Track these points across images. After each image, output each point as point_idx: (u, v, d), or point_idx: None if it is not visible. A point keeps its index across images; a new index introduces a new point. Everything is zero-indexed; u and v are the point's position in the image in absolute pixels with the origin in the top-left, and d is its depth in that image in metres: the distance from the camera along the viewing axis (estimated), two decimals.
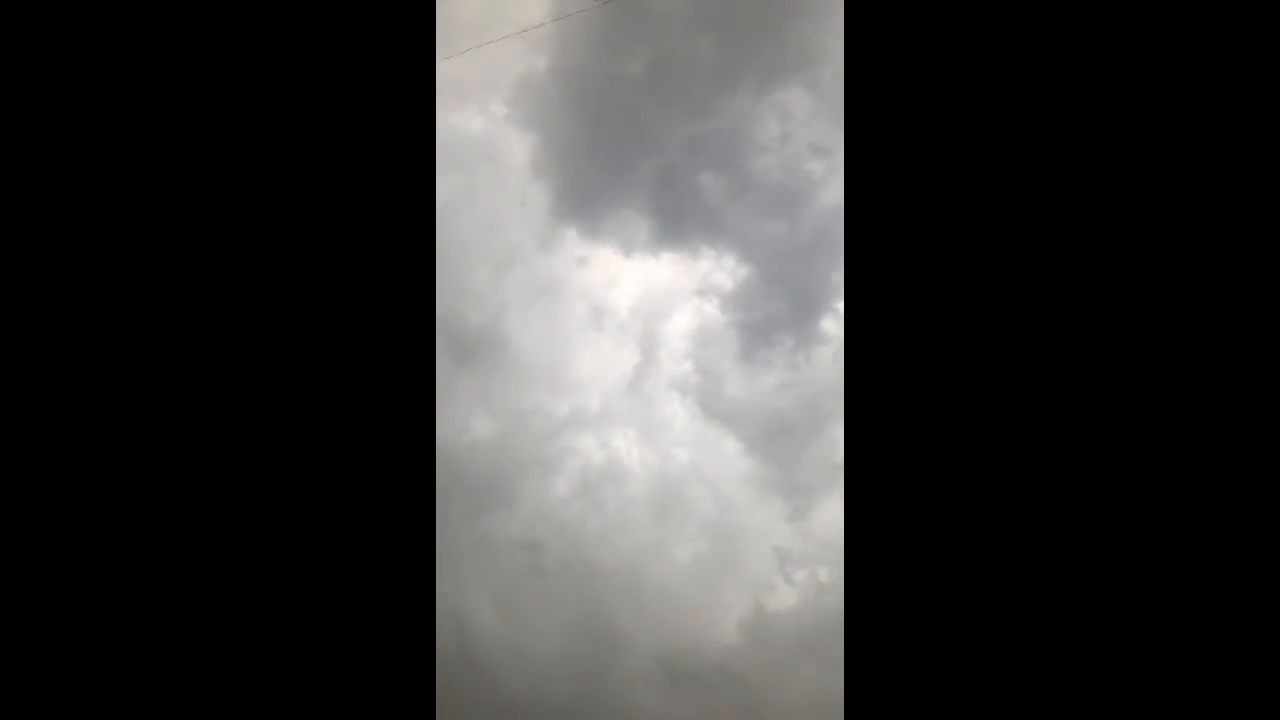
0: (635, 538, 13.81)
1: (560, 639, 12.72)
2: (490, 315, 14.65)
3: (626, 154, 15.34)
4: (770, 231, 15.18)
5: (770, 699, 12.39)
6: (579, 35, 14.71)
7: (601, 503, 14.08)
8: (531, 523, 13.65)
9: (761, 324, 14.86)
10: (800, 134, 14.64)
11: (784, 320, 14.84)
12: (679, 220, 15.37)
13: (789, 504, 13.89)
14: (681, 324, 15.18)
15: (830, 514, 13.68)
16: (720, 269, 15.15)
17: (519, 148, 15.04)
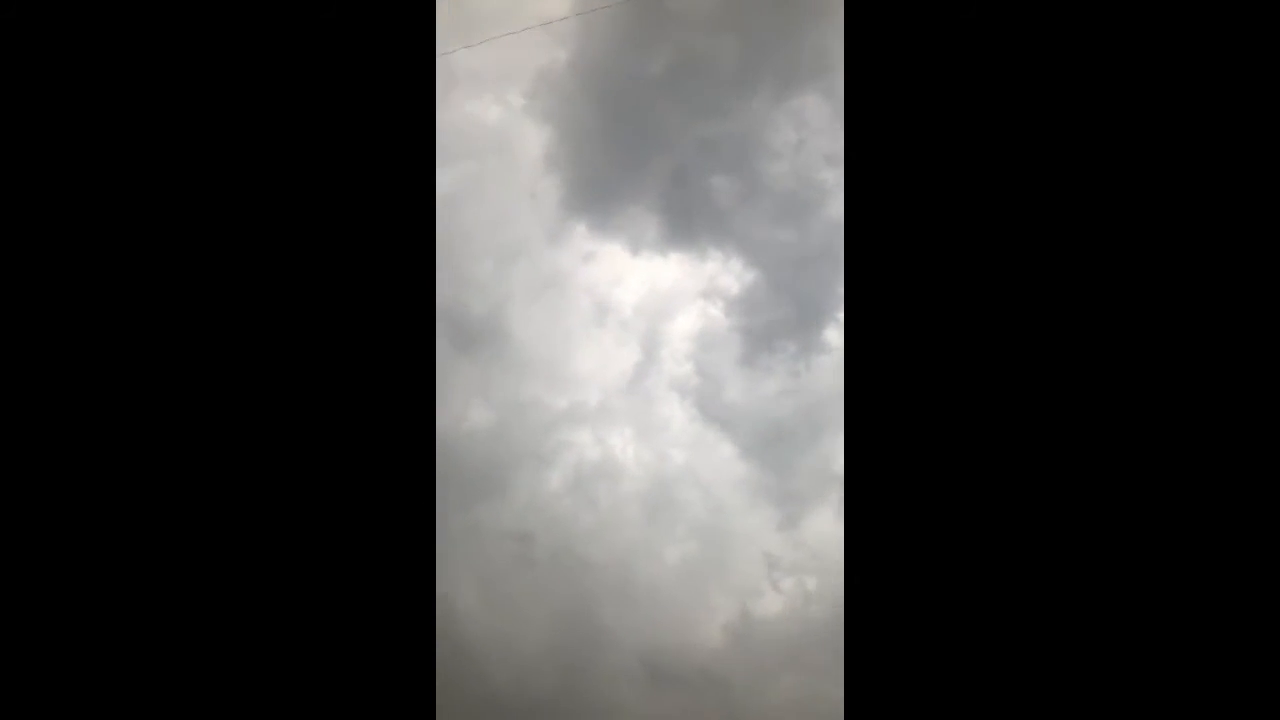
0: (626, 535, 13.85)
1: (545, 631, 12.76)
2: (494, 305, 14.67)
3: (640, 152, 15.35)
4: (779, 238, 15.20)
5: (751, 704, 12.43)
6: (601, 31, 14.72)
7: (594, 498, 14.12)
8: (524, 514, 13.68)
9: (765, 330, 14.88)
10: (814, 142, 14.65)
11: (787, 327, 14.87)
12: (688, 221, 15.39)
13: (781, 511, 13.92)
14: (685, 325, 15.20)
15: (821, 524, 13.72)
16: (727, 272, 15.17)
17: (534, 140, 15.05)
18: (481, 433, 14.01)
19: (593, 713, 12.04)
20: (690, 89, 15.01)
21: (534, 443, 14.25)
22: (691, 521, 14.04)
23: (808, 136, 14.71)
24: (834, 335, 14.24)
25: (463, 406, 14.05)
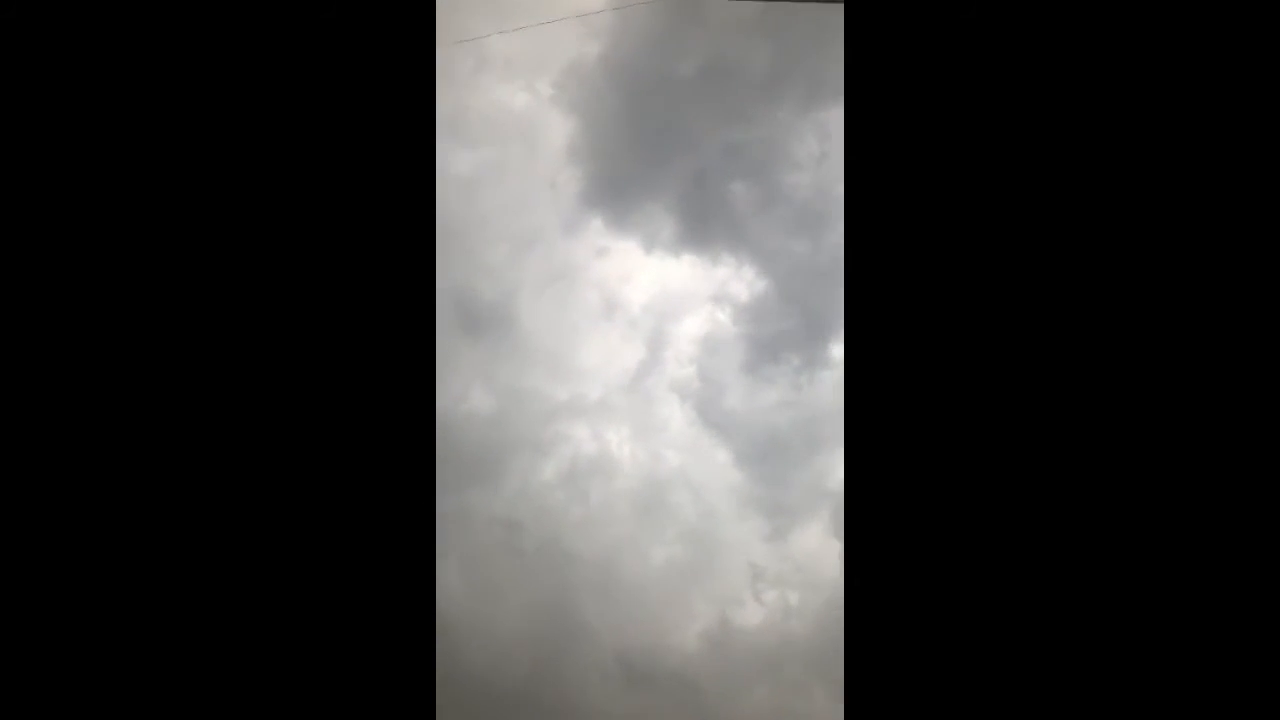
0: (614, 532, 13.89)
1: (524, 619, 12.82)
2: (504, 292, 14.71)
3: (663, 151, 15.34)
4: (793, 249, 15.17)
5: (722, 712, 12.47)
6: (634, 27, 14.70)
7: (586, 493, 14.16)
8: (515, 502, 13.74)
9: (771, 340, 14.87)
10: (837, 154, 14.61)
11: (793, 339, 14.85)
12: (704, 224, 15.38)
13: (770, 523, 13.93)
14: (692, 328, 15.21)
15: (809, 539, 13.73)
16: (738, 278, 15.16)
17: (558, 130, 15.06)
18: (480, 417, 14.07)
19: (564, 705, 12.11)
20: (718, 93, 14.99)
21: (531, 432, 14.31)
22: (680, 524, 14.07)
23: (831, 149, 14.68)
24: (839, 351, 14.22)
25: (464, 389, 14.11)
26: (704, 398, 14.82)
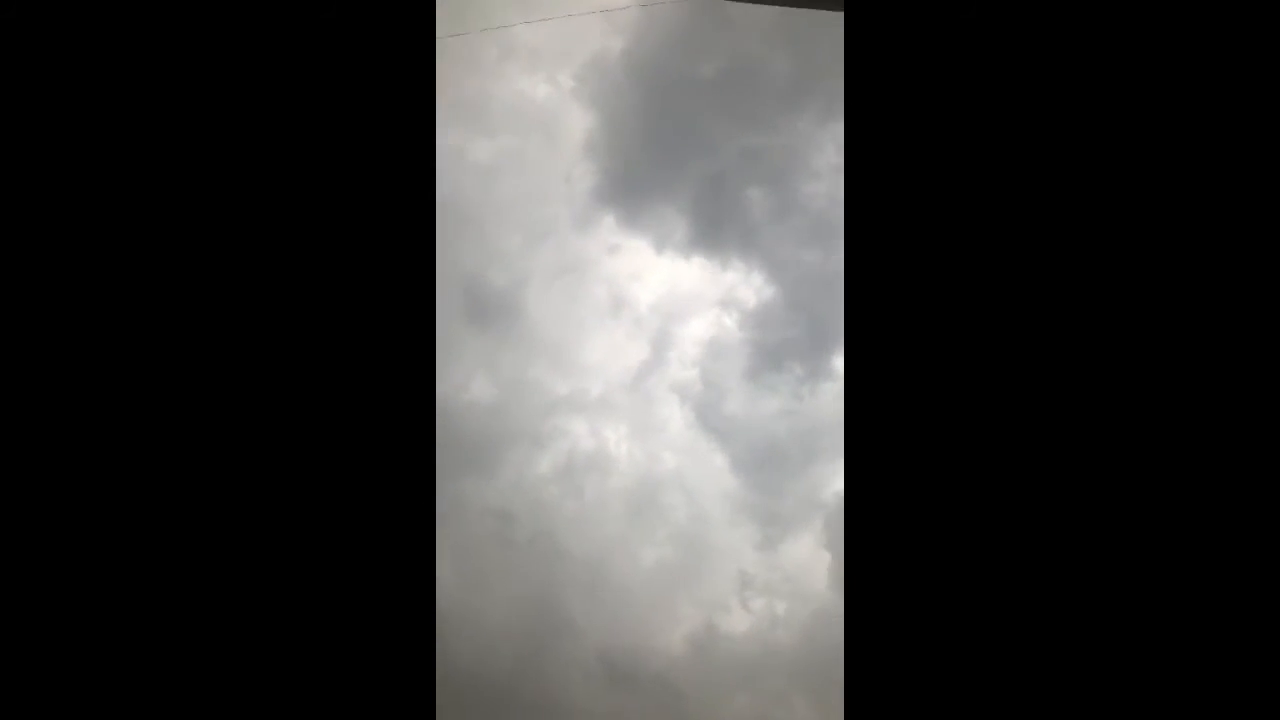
0: (605, 530, 13.88)
1: (510, 612, 12.82)
2: (512, 282, 14.69)
3: (680, 152, 15.31)
4: (804, 258, 15.15)
5: (702, 717, 12.46)
6: (659, 25, 14.67)
7: (580, 488, 14.15)
8: (508, 493, 13.73)
9: (775, 348, 14.85)
10: None
11: (798, 349, 14.83)
12: (717, 228, 15.35)
13: (762, 531, 13.91)
14: (697, 330, 15.19)
15: (800, 549, 13.70)
16: (747, 284, 15.15)
17: (577, 123, 15.04)
18: (480, 406, 14.06)
19: (545, 700, 12.10)
20: (739, 97, 14.96)
21: (530, 424, 14.30)
22: (672, 527, 14.06)
23: None
24: (843, 364, 14.18)
25: (465, 377, 14.10)
26: (704, 401, 14.81)
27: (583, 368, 14.81)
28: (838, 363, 14.35)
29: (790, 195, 15.11)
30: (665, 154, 15.17)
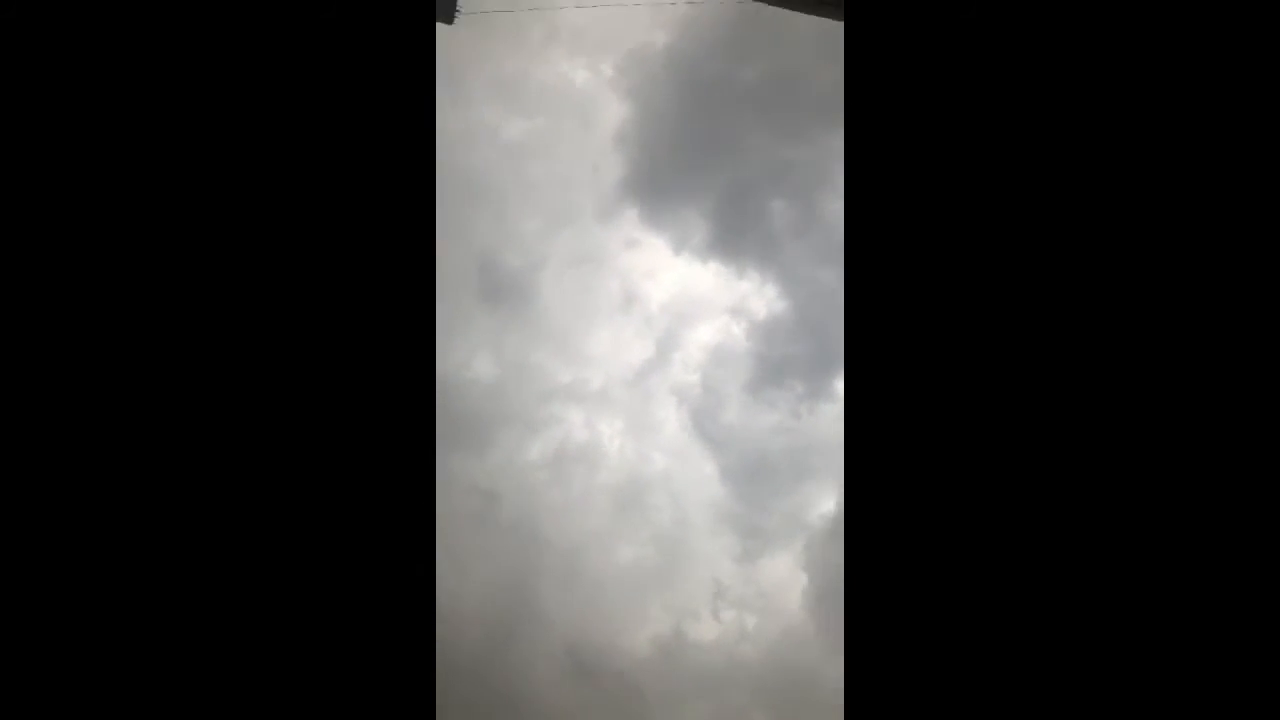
0: (588, 523, 13.96)
1: (484, 595, 12.91)
2: (527, 265, 14.65)
3: (709, 154, 15.20)
4: (819, 276, 15.11)
5: None
6: (706, 24, 14.50)
7: (569, 479, 14.21)
8: (496, 474, 13.78)
9: (779, 362, 14.86)
10: None
11: (802, 367, 14.84)
12: (737, 235, 15.29)
13: (742, 544, 14.00)
14: (704, 336, 15.19)
15: (778, 567, 13.80)
16: (759, 295, 15.11)
17: (612, 113, 14.92)
18: (481, 384, 14.08)
19: (508, 688, 12.23)
20: (776, 105, 14.82)
21: (526, 408, 14.32)
22: (654, 528, 14.14)
23: None
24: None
25: (469, 354, 14.10)
26: (702, 407, 14.84)
27: (586, 358, 14.82)
28: (839, 385, 14.38)
29: (814, 211, 15.04)
30: (695, 155, 15.06)
